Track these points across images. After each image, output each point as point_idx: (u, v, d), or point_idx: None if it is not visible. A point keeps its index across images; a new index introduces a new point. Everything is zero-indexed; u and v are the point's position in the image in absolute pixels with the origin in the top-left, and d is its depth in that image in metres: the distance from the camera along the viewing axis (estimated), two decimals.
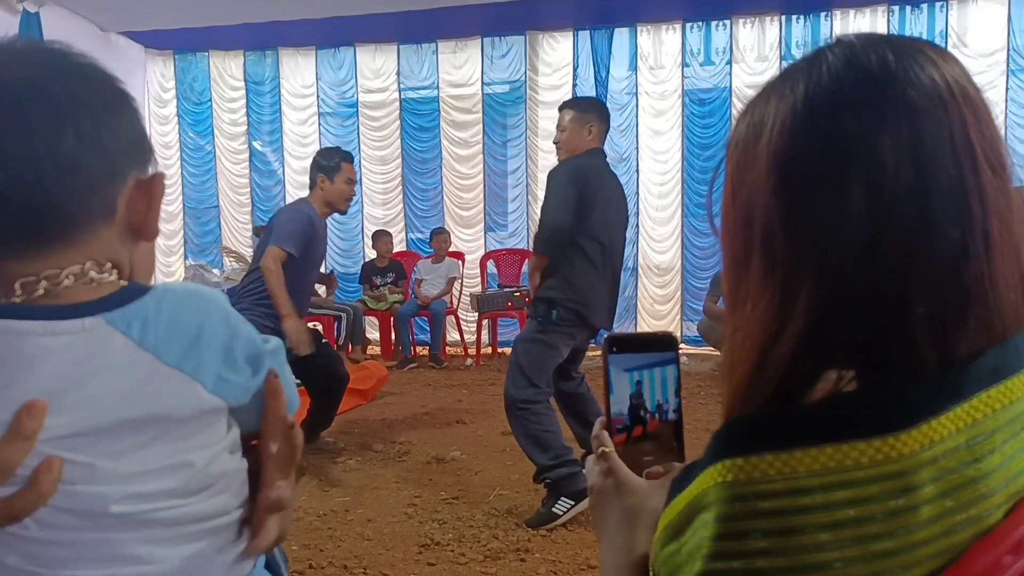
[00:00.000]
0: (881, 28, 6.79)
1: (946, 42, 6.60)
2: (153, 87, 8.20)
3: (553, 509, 3.21)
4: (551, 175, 3.46)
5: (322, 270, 7.72)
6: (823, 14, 6.95)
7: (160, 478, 0.63)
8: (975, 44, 6.62)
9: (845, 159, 0.52)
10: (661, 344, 0.78)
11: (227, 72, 8.20)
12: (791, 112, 0.55)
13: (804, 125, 0.54)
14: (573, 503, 3.20)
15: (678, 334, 7.37)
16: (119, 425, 0.60)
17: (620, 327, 7.57)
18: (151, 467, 0.62)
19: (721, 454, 0.53)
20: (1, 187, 0.59)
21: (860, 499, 0.48)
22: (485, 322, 7.25)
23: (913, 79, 0.53)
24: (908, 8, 6.77)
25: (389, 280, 7.49)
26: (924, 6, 6.74)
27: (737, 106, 7.18)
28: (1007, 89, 6.59)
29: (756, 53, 7.16)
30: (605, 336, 0.78)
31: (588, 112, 3.55)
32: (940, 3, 6.68)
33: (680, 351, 0.79)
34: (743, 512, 0.50)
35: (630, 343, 0.78)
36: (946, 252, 0.51)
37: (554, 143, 3.62)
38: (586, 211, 3.33)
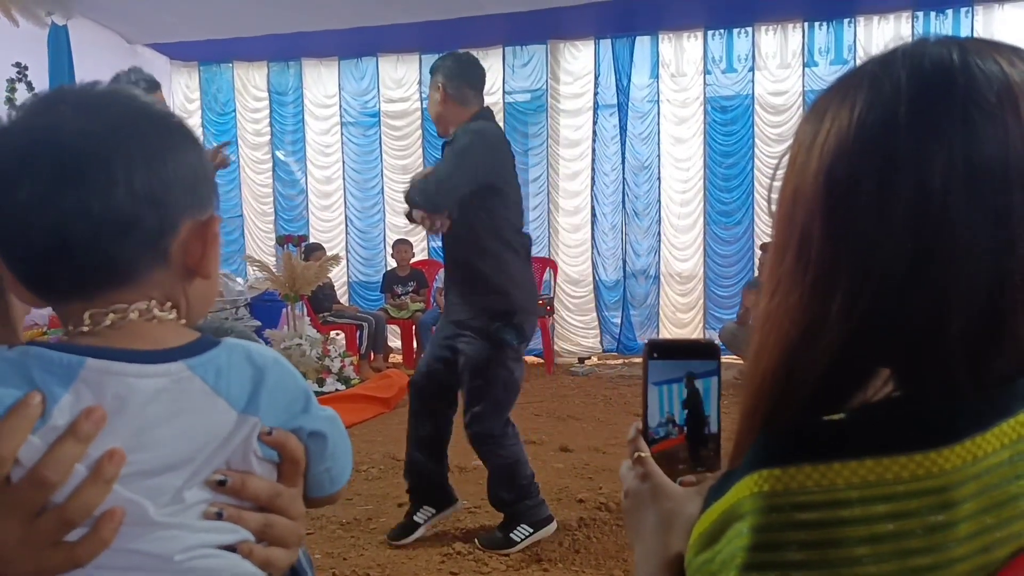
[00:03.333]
0: (905, 34, 6.74)
1: None
2: (178, 98, 8.29)
3: (511, 535, 3.05)
4: (454, 139, 2.98)
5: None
6: (846, 20, 6.91)
7: (221, 531, 0.66)
8: None
9: (892, 173, 0.51)
10: (702, 352, 0.78)
11: (251, 83, 8.28)
12: (848, 119, 0.54)
13: (857, 133, 0.54)
14: (532, 531, 3.06)
15: (695, 337, 7.31)
16: (192, 461, 0.64)
17: (642, 334, 7.56)
18: (216, 522, 0.65)
19: (758, 464, 0.52)
20: (61, 241, 0.62)
21: (899, 513, 0.48)
22: None
23: (975, 95, 0.52)
24: (933, 14, 6.71)
25: (410, 289, 7.50)
26: (949, 12, 6.68)
27: (760, 113, 7.15)
28: None
29: (779, 60, 7.12)
30: (646, 342, 0.78)
31: (441, 75, 3.03)
32: (965, 8, 6.62)
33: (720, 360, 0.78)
34: (779, 523, 0.50)
35: (671, 350, 0.77)
36: (985, 277, 0.50)
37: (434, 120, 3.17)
38: (502, 195, 2.93)
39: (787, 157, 0.59)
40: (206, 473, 0.65)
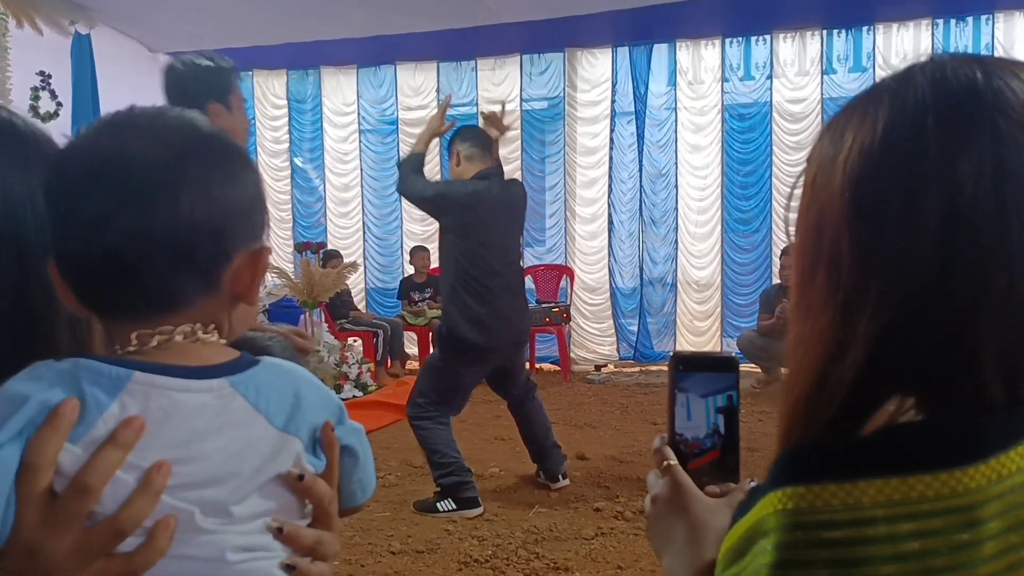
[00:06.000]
0: (925, 42, 6.70)
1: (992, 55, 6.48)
2: None
3: (437, 504, 3.58)
4: None
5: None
6: (865, 28, 6.87)
7: (262, 533, 0.68)
8: (1023, 57, 6.48)
9: (922, 185, 0.51)
10: (724, 365, 0.79)
11: (270, 91, 8.34)
12: (872, 133, 0.54)
13: (883, 147, 0.53)
14: (455, 507, 3.55)
15: (718, 350, 7.29)
16: (237, 475, 0.65)
17: (659, 342, 7.54)
18: (259, 520, 0.67)
19: (782, 481, 0.52)
20: (118, 262, 0.63)
21: (924, 532, 0.48)
22: None
23: (1002, 104, 0.52)
24: (953, 21, 6.67)
25: (427, 295, 7.52)
26: (969, 19, 6.63)
27: (777, 121, 7.13)
28: None
29: (797, 68, 7.09)
30: (672, 354, 0.79)
31: (450, 144, 3.78)
32: (986, 16, 6.57)
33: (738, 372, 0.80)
34: (805, 541, 0.50)
35: (695, 363, 0.79)
36: (1021, 287, 0.50)
37: None
38: (462, 233, 3.59)
39: (802, 180, 0.59)
40: (251, 488, 0.66)
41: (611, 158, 7.53)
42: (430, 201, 3.71)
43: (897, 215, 0.52)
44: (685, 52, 7.32)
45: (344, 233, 8.35)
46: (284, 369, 0.71)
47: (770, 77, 7.12)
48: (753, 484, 0.62)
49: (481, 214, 3.59)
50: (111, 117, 0.68)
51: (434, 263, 7.76)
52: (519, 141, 7.72)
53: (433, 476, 3.65)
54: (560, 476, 3.93)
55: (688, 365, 0.78)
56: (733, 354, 0.83)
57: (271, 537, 0.68)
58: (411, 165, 3.68)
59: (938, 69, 0.55)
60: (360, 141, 8.19)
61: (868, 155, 0.54)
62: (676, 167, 7.43)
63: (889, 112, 0.54)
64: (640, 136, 7.41)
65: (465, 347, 3.61)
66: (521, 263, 3.97)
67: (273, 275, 6.34)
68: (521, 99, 7.67)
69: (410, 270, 7.79)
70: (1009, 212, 0.50)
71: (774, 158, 7.13)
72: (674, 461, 0.76)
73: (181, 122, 0.69)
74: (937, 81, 0.54)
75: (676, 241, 7.49)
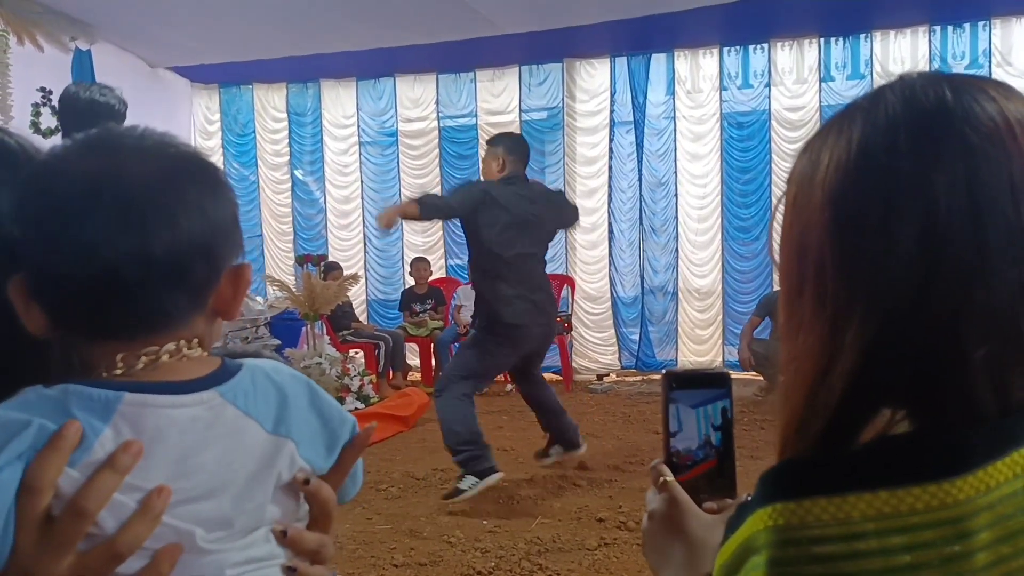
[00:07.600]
0: (923, 48, 6.72)
1: (989, 61, 6.51)
2: (199, 120, 8.40)
3: (459, 486, 3.75)
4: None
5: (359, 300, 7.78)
6: (863, 35, 6.89)
7: (265, 542, 0.68)
8: (1019, 63, 6.51)
9: (897, 198, 0.52)
10: (717, 381, 0.80)
11: (270, 104, 8.37)
12: (847, 149, 0.55)
13: (859, 163, 0.54)
14: (477, 481, 3.72)
15: (719, 359, 7.29)
16: (232, 484, 0.66)
17: (660, 351, 7.53)
18: (261, 530, 0.68)
19: (772, 497, 0.52)
20: (117, 282, 0.62)
21: (915, 545, 0.48)
22: None
23: (971, 118, 0.53)
24: (950, 28, 6.68)
25: (429, 307, 7.53)
26: (966, 25, 6.65)
27: (776, 129, 7.14)
28: None
29: (795, 76, 7.11)
30: (664, 372, 0.80)
31: (496, 146, 4.09)
32: (982, 22, 6.59)
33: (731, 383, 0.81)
34: (796, 557, 0.50)
35: (688, 380, 0.80)
36: (1002, 294, 0.51)
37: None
38: (486, 230, 3.85)
39: (784, 200, 0.60)
40: (250, 497, 0.66)
41: (611, 167, 7.54)
42: (463, 198, 3.93)
43: (876, 229, 0.53)
44: (683, 61, 7.34)
45: (345, 245, 8.36)
46: (265, 369, 0.71)
47: (768, 85, 7.14)
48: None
49: (497, 205, 3.84)
50: (93, 138, 0.67)
51: (435, 274, 7.80)
52: None
53: (451, 454, 3.81)
54: (579, 441, 4.23)
55: (681, 383, 0.79)
56: (725, 369, 0.84)
57: (272, 546, 0.68)
58: (426, 200, 3.98)
59: (907, 88, 0.56)
60: (360, 153, 8.22)
61: (845, 172, 0.55)
62: (676, 176, 7.45)
63: (862, 130, 0.55)
64: (639, 145, 7.42)
65: (504, 327, 3.86)
66: (542, 258, 4.17)
67: (274, 288, 6.34)
68: (520, 110, 7.70)
69: (411, 281, 7.80)
70: (984, 222, 0.51)
71: (773, 166, 7.15)
72: (671, 477, 0.77)
73: (166, 142, 0.68)
74: (907, 99, 0.55)
75: (676, 250, 7.49)
